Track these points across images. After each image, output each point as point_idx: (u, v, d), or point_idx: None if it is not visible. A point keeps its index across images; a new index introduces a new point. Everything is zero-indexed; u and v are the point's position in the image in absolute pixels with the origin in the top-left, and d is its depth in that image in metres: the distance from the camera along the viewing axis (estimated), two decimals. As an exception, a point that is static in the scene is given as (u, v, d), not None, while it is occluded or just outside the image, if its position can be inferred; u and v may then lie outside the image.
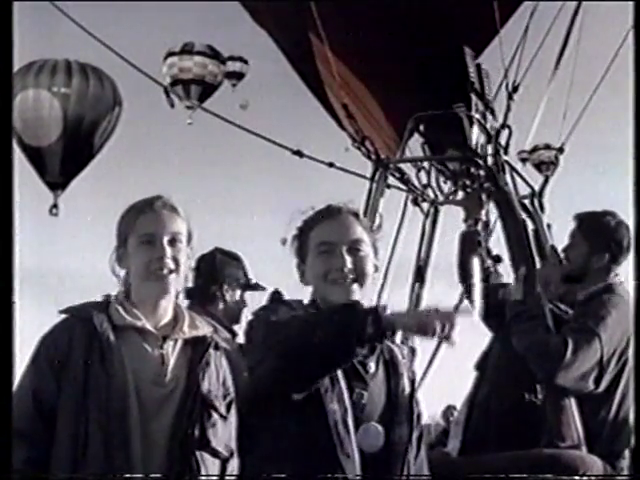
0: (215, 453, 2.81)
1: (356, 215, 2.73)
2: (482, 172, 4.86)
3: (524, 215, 4.74)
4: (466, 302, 4.89)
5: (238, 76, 7.89)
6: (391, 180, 5.05)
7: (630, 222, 3.35)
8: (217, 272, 4.15)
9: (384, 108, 5.37)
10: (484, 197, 4.78)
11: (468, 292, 4.66)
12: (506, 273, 4.66)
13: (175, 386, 2.82)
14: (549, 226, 4.78)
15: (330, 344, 2.39)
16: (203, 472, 2.79)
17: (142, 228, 2.88)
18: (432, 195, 5.23)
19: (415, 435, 2.68)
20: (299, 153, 5.24)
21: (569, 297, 4.35)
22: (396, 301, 5.00)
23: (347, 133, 5.13)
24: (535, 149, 8.86)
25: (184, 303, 3.07)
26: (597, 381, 4.04)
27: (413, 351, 2.89)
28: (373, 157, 5.01)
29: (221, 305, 4.17)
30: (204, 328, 2.93)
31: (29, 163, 6.86)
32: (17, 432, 2.75)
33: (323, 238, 2.67)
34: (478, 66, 5.01)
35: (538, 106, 5.12)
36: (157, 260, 2.84)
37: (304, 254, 2.71)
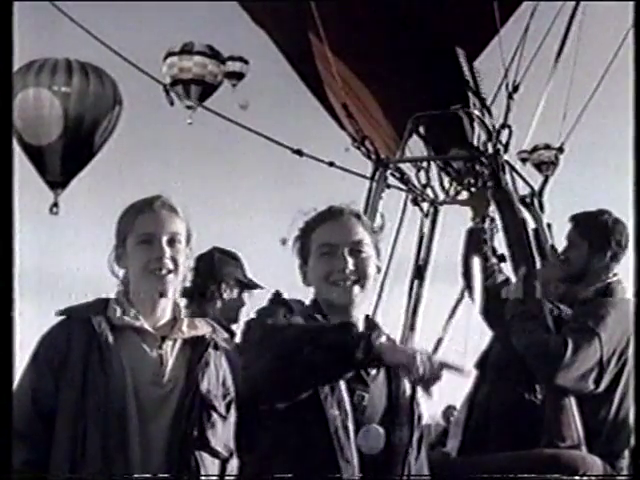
0: (214, 453, 2.80)
1: (358, 216, 2.72)
2: (486, 170, 4.86)
3: (524, 214, 4.74)
4: (464, 301, 4.91)
5: (238, 76, 7.91)
6: (391, 180, 5.04)
7: (630, 222, 3.35)
8: (215, 271, 4.16)
9: (384, 108, 5.36)
10: (490, 194, 4.77)
11: (471, 289, 4.66)
12: (509, 272, 4.66)
13: (174, 386, 2.81)
14: (549, 226, 4.78)
15: (318, 360, 2.38)
16: (202, 472, 2.79)
17: (141, 228, 2.88)
18: (432, 195, 5.23)
19: (416, 437, 2.68)
20: (299, 152, 5.23)
21: (569, 297, 4.35)
22: (396, 301, 4.99)
23: (347, 133, 5.12)
24: (535, 149, 8.88)
25: (182, 302, 3.06)
26: (597, 381, 4.04)
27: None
28: (373, 157, 5.01)
29: (219, 304, 4.18)
30: (203, 328, 2.93)
31: (29, 162, 6.86)
32: (16, 433, 2.75)
33: (325, 239, 2.66)
34: (471, 66, 5.02)
35: (538, 106, 5.12)
36: (156, 260, 2.84)
37: (306, 255, 2.71)
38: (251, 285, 4.27)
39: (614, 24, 5.25)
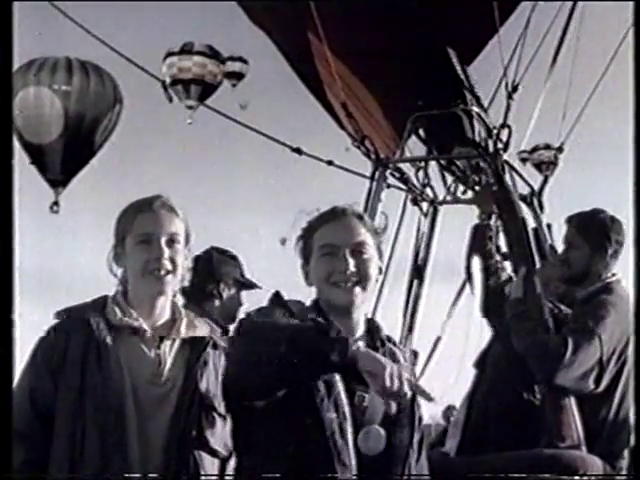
0: (213, 452, 2.81)
1: (360, 217, 2.71)
2: (489, 168, 4.86)
3: (524, 214, 4.74)
4: (464, 300, 4.91)
5: (238, 76, 7.89)
6: (390, 180, 5.05)
7: (630, 222, 3.35)
8: (214, 270, 4.16)
9: (383, 108, 5.37)
10: (494, 188, 4.77)
11: (474, 286, 4.66)
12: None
13: (172, 386, 2.82)
14: (549, 226, 4.78)
15: (293, 360, 2.38)
16: (201, 472, 2.79)
17: (140, 228, 2.87)
18: (431, 195, 5.23)
19: (416, 439, 2.67)
20: (298, 150, 5.24)
21: (569, 297, 4.35)
22: (395, 300, 5.00)
23: (347, 132, 5.13)
24: (535, 149, 8.86)
25: (180, 302, 3.07)
26: (597, 381, 4.04)
27: (415, 354, 2.89)
28: (373, 156, 5.01)
29: (217, 304, 4.18)
30: (202, 328, 2.93)
31: (30, 161, 6.86)
32: (15, 433, 2.76)
33: (326, 240, 2.66)
34: (463, 67, 5.02)
35: (536, 106, 5.12)
36: (154, 260, 2.84)
37: (308, 255, 2.70)
38: (249, 285, 4.27)
39: (613, 23, 5.25)
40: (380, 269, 2.71)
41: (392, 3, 4.92)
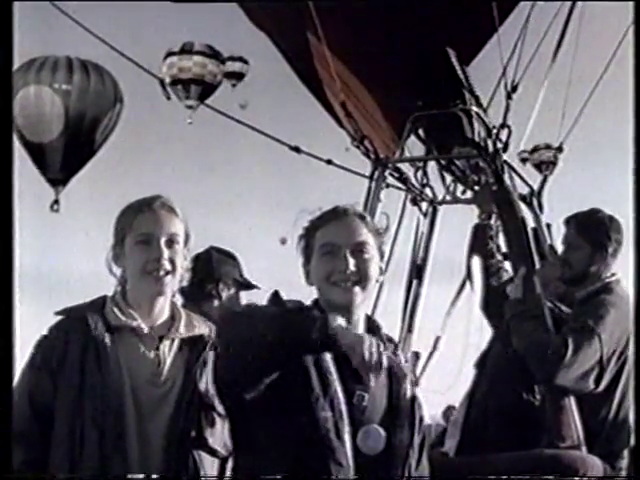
0: (213, 452, 2.82)
1: (362, 217, 2.71)
2: (488, 168, 4.86)
3: (524, 214, 4.74)
4: (464, 300, 4.91)
5: (238, 76, 7.89)
6: (390, 179, 5.05)
7: (630, 222, 3.35)
8: (213, 270, 4.16)
9: (382, 107, 5.36)
10: (494, 188, 4.77)
11: (474, 285, 4.66)
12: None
13: (172, 386, 2.82)
14: (548, 225, 4.78)
15: (275, 341, 2.40)
16: (201, 471, 2.79)
17: (140, 228, 2.88)
18: (431, 194, 5.23)
19: (417, 440, 2.67)
20: (297, 149, 5.24)
21: (569, 296, 4.36)
22: (394, 300, 5.00)
23: (346, 132, 5.13)
24: (535, 149, 8.86)
25: (179, 301, 3.07)
26: (597, 381, 4.04)
27: (417, 355, 2.89)
28: (372, 156, 5.01)
29: (216, 303, 4.18)
30: (201, 327, 2.93)
31: (30, 159, 6.87)
32: (14, 433, 2.76)
33: (327, 239, 2.66)
34: (463, 67, 5.02)
35: (536, 105, 5.11)
36: (154, 261, 2.84)
37: (309, 254, 2.70)
38: (248, 285, 4.27)
39: (612, 23, 5.25)
40: (381, 269, 2.72)
41: (391, 3, 4.92)
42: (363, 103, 5.26)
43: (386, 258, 2.81)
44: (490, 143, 4.83)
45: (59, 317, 2.88)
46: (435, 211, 5.24)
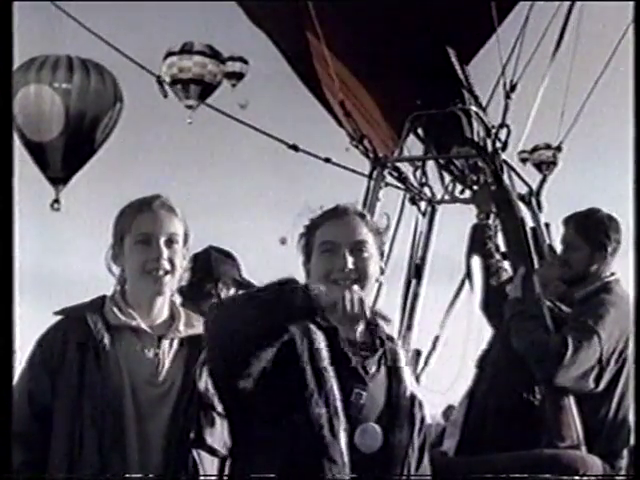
0: (213, 452, 2.81)
1: (362, 216, 2.71)
2: (487, 167, 4.87)
3: (523, 214, 4.74)
4: (464, 300, 4.91)
5: (238, 76, 7.91)
6: (389, 179, 5.05)
7: (630, 222, 3.35)
8: (212, 270, 4.16)
9: (381, 107, 5.36)
10: (493, 188, 4.78)
11: (473, 285, 4.66)
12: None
13: (171, 385, 2.82)
14: (547, 225, 4.78)
15: (261, 319, 2.40)
16: (201, 471, 2.79)
17: (139, 227, 2.88)
18: (429, 194, 5.24)
19: (417, 441, 2.67)
20: (295, 147, 5.25)
21: (568, 296, 4.35)
22: (392, 300, 5.00)
23: (345, 131, 5.13)
24: (535, 149, 8.87)
25: (178, 300, 3.07)
26: (597, 380, 4.04)
27: (418, 353, 2.89)
28: (371, 155, 5.01)
29: None
30: (200, 327, 2.92)
31: (31, 158, 6.88)
32: (14, 434, 2.75)
33: (327, 237, 2.66)
34: (462, 66, 5.03)
35: (535, 105, 5.11)
36: (153, 260, 2.84)
37: (310, 253, 2.70)
38: (247, 285, 4.27)
39: (611, 22, 5.25)
40: (381, 269, 2.72)
41: (390, 2, 4.92)
42: (362, 102, 5.26)
43: (385, 257, 2.81)
44: (489, 142, 4.83)
45: (58, 317, 2.88)
46: (434, 210, 5.25)
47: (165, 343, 2.87)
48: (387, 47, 5.00)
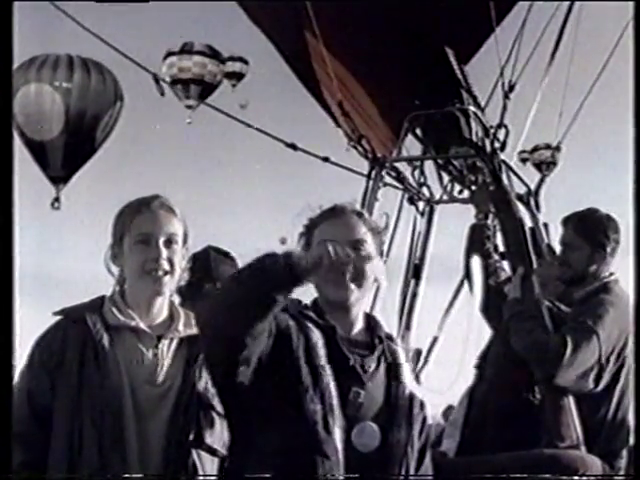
0: (213, 451, 2.81)
1: (360, 215, 2.71)
2: (486, 167, 4.87)
3: (522, 214, 4.74)
4: (464, 300, 4.91)
5: (238, 76, 7.91)
6: (387, 179, 5.05)
7: (630, 222, 3.35)
8: (211, 270, 4.16)
9: (380, 107, 5.37)
10: (492, 188, 4.78)
11: (472, 286, 4.66)
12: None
13: (171, 385, 2.82)
14: (546, 225, 4.78)
15: (247, 295, 2.40)
16: (200, 470, 2.79)
17: (138, 227, 2.88)
18: (428, 194, 5.24)
19: (416, 439, 2.67)
20: (293, 146, 5.26)
21: (567, 296, 4.35)
22: (391, 300, 5.00)
23: (343, 132, 5.13)
24: (535, 149, 8.86)
25: (176, 301, 3.08)
26: (596, 380, 4.03)
27: (419, 353, 2.89)
28: (370, 156, 5.02)
29: None
30: (200, 327, 2.94)
31: (32, 157, 6.89)
32: (13, 434, 2.76)
33: (324, 236, 2.65)
34: (460, 66, 5.03)
35: (533, 105, 5.12)
36: (152, 261, 2.85)
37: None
38: None
39: (610, 22, 5.25)
40: (381, 268, 2.71)
41: (389, 3, 4.93)
42: (360, 102, 5.26)
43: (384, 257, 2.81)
44: (487, 143, 4.84)
45: (58, 317, 2.88)
46: (432, 210, 5.25)
47: (164, 343, 2.87)
48: (385, 47, 5.00)
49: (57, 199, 7.07)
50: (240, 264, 4.32)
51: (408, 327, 5.07)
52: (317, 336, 2.57)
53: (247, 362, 2.45)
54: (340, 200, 2.76)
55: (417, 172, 5.16)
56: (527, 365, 4.07)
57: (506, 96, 4.80)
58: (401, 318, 5.04)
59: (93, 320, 2.82)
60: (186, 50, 6.72)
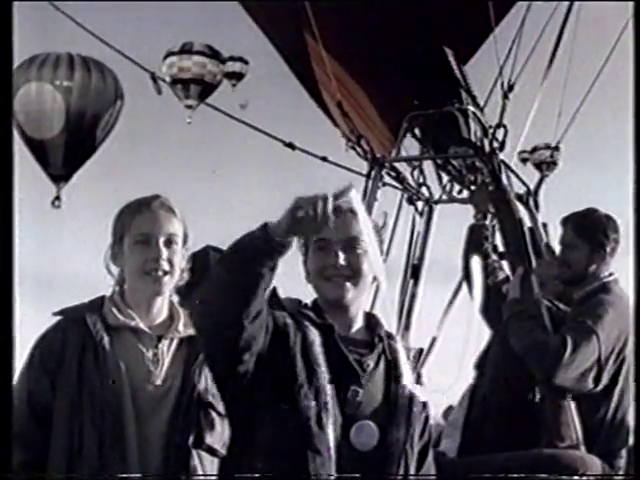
0: (212, 451, 2.81)
1: (355, 213, 2.71)
2: (485, 167, 4.87)
3: (521, 214, 4.75)
4: (463, 300, 4.91)
5: (238, 76, 7.88)
6: (386, 179, 5.06)
7: (630, 222, 3.36)
8: (210, 270, 4.15)
9: (379, 107, 5.37)
10: (491, 188, 4.78)
11: (471, 286, 4.66)
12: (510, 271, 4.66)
13: (171, 385, 2.83)
14: (545, 225, 4.79)
15: (235, 275, 2.38)
16: (200, 470, 2.80)
17: (138, 228, 2.89)
18: (427, 194, 5.25)
19: (422, 441, 2.67)
20: (291, 145, 5.26)
21: (566, 295, 4.35)
22: (390, 298, 5.00)
23: (342, 133, 5.14)
24: (535, 149, 8.85)
25: (175, 300, 3.08)
26: (596, 380, 4.03)
27: (420, 352, 2.88)
28: (369, 156, 5.02)
29: None
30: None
31: (32, 156, 6.88)
32: (13, 434, 2.76)
33: (320, 235, 2.66)
34: (459, 66, 5.03)
35: (532, 105, 5.12)
36: (152, 261, 2.85)
37: (307, 252, 2.71)
38: None
39: (609, 23, 5.25)
40: (380, 266, 2.71)
41: (388, 3, 4.93)
42: (359, 103, 5.27)
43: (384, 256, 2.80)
44: (486, 143, 4.84)
45: (57, 317, 2.88)
46: (431, 210, 5.26)
47: (164, 343, 2.87)
48: (384, 48, 5.01)
49: (58, 198, 7.06)
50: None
51: (407, 327, 5.07)
52: (314, 334, 2.57)
53: (249, 347, 2.43)
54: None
55: (416, 172, 5.17)
56: (526, 365, 4.07)
57: (505, 96, 4.81)
58: (400, 318, 5.04)
59: (93, 320, 2.82)
60: (186, 50, 6.70)
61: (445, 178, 5.24)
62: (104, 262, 2.95)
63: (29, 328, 3.08)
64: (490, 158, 4.77)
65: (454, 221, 5.31)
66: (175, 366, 2.86)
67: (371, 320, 2.72)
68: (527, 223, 4.71)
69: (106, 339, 2.81)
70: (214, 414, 2.82)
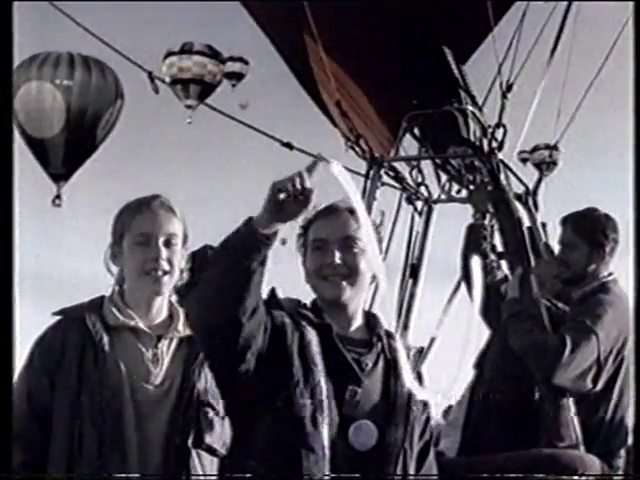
0: (212, 451, 2.81)
1: (352, 212, 2.66)
2: (484, 167, 4.87)
3: (520, 214, 4.75)
4: (463, 300, 4.91)
5: (238, 76, 7.88)
6: (385, 178, 5.06)
7: (630, 222, 3.36)
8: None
9: (378, 107, 5.38)
10: (490, 188, 4.78)
11: (470, 286, 4.66)
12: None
13: (170, 385, 2.83)
14: (543, 224, 4.79)
15: (226, 272, 2.39)
16: (200, 470, 2.80)
17: (138, 227, 2.89)
18: (426, 193, 5.25)
19: (422, 440, 2.68)
20: (289, 145, 5.27)
21: (566, 295, 4.35)
22: (390, 297, 5.01)
23: (341, 132, 5.14)
24: (535, 149, 8.85)
25: (174, 299, 3.08)
26: (595, 380, 4.03)
27: (421, 351, 2.87)
28: (367, 156, 5.03)
29: None
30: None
31: (32, 155, 6.89)
32: (13, 434, 2.76)
33: (317, 234, 2.67)
34: (458, 66, 5.04)
35: (532, 105, 5.12)
36: (152, 260, 2.85)
37: (305, 251, 2.71)
38: None
39: (608, 22, 5.26)
40: (378, 265, 2.70)
41: (387, 3, 4.93)
42: (358, 102, 5.27)
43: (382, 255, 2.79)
44: (485, 142, 4.84)
45: (57, 317, 2.88)
46: (430, 210, 5.26)
47: (164, 343, 2.87)
48: (383, 47, 5.01)
49: (58, 196, 7.06)
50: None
51: (406, 327, 5.07)
52: (312, 334, 2.57)
53: (249, 346, 2.43)
54: (339, 199, 2.76)
55: (415, 172, 5.17)
56: (526, 365, 4.07)
57: (504, 95, 4.81)
58: (399, 318, 5.04)
59: (93, 320, 2.82)
60: (186, 50, 6.70)
61: (444, 178, 5.24)
62: (104, 262, 2.95)
63: (29, 328, 3.08)
64: (489, 158, 4.77)
65: (453, 221, 5.32)
66: (175, 366, 2.86)
67: (370, 319, 2.72)
68: (526, 223, 4.71)
69: (106, 339, 2.81)
70: (213, 414, 2.82)
